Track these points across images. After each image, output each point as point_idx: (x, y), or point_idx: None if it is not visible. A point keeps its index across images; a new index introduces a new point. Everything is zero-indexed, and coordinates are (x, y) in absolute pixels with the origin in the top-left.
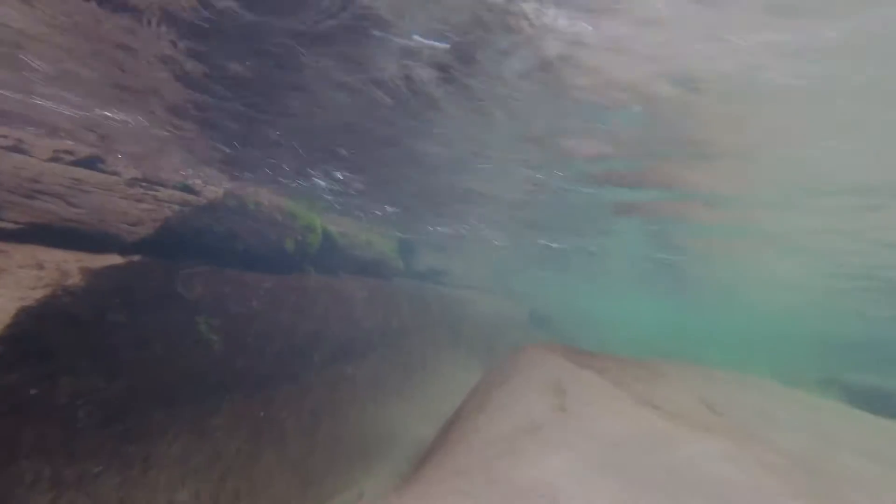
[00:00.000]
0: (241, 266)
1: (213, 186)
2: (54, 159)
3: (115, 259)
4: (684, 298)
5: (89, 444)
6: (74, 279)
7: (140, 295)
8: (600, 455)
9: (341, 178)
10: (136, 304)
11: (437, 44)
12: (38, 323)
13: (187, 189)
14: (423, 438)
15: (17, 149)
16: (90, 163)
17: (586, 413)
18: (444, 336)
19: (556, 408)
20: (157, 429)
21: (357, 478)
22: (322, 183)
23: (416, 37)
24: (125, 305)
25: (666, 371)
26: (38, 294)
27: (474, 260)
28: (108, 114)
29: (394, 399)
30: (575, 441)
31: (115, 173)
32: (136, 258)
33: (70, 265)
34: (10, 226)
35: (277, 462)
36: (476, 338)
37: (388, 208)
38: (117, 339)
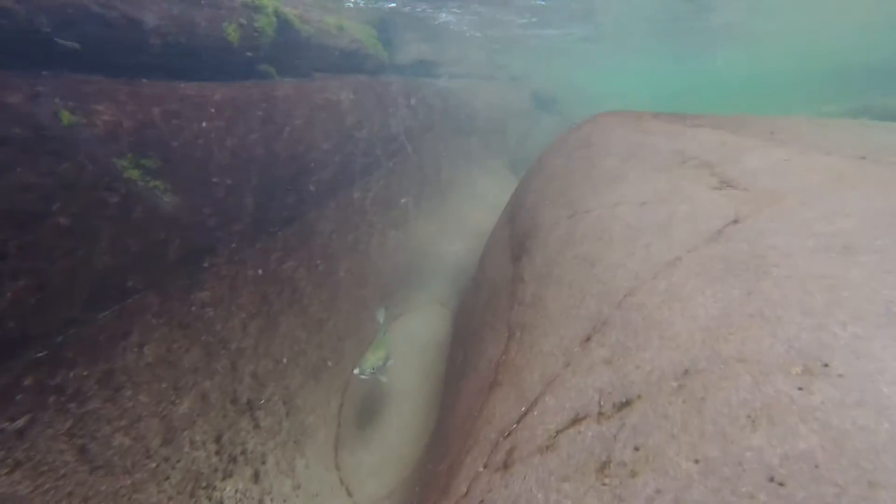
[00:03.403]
0: (164, 74)
1: None
2: None
3: None
4: (689, 56)
5: None
6: None
7: None
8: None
9: None
10: None
11: None
12: None
13: None
14: (459, 257)
15: None
16: None
17: (786, 186)
18: (453, 136)
19: (717, 187)
20: (109, 338)
21: (398, 314)
22: None
23: None
24: None
25: (775, 123)
26: None
27: (467, 44)
28: None
29: (414, 218)
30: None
31: None
32: None
33: None
34: None
35: (300, 324)
36: (486, 133)
37: None
38: None
